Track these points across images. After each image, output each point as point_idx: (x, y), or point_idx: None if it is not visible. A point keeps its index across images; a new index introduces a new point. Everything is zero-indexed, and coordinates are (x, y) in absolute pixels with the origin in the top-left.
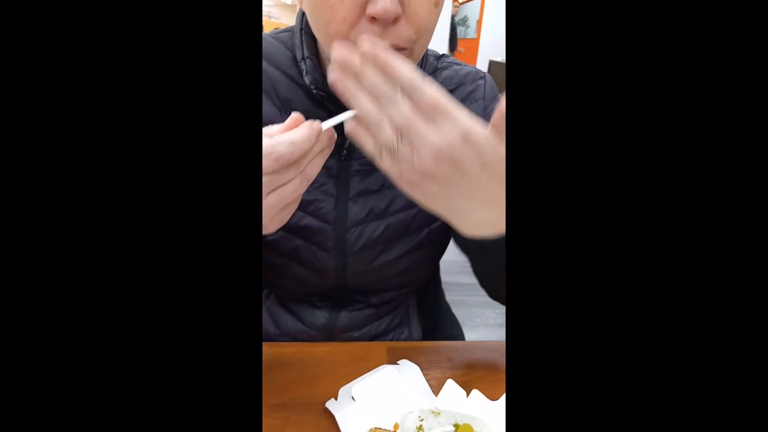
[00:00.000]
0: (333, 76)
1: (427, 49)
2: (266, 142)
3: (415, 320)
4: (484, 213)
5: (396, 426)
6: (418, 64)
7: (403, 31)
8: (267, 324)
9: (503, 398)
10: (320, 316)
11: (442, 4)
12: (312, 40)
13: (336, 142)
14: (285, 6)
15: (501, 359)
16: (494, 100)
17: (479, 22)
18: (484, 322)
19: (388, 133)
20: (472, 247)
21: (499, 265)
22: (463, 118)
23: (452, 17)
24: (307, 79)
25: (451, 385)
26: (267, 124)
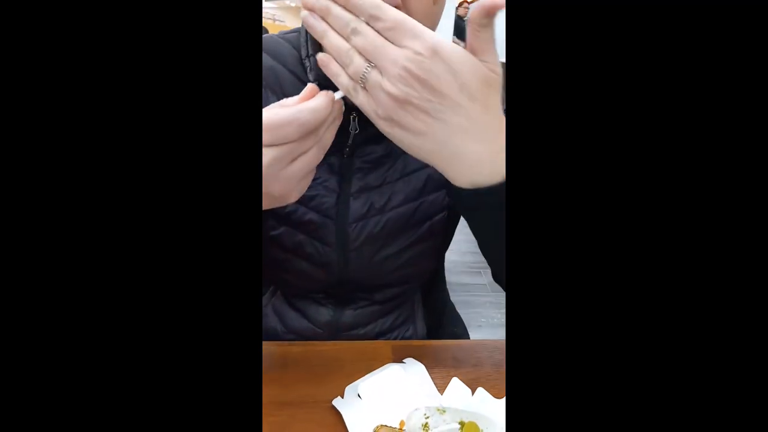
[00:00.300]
0: (304, 17)
1: None
2: (288, 110)
3: (420, 318)
4: (471, 148)
5: (402, 423)
6: None
7: None
8: (273, 322)
9: None
10: (325, 314)
11: (443, 4)
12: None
13: (339, 140)
14: (289, 8)
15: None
16: None
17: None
18: (489, 323)
19: (357, 63)
20: (470, 207)
21: (501, 235)
22: (429, 33)
23: (457, 17)
24: (311, 76)
25: (456, 384)
26: None
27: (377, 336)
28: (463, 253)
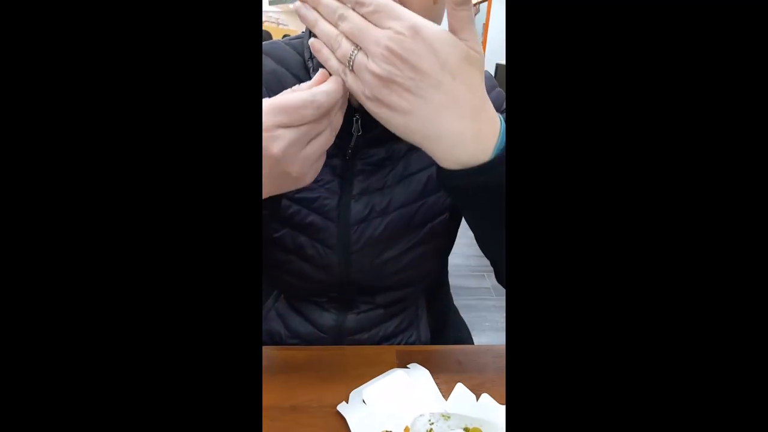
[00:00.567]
0: (298, 8)
1: None
2: (305, 93)
3: (424, 323)
4: (454, 125)
5: (407, 429)
6: None
7: None
8: (277, 326)
9: None
10: (329, 318)
11: (443, 4)
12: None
13: (341, 143)
14: (293, 13)
15: None
16: (492, 90)
17: (486, 26)
18: (493, 326)
19: (345, 46)
20: (459, 189)
21: (494, 225)
22: (410, 14)
23: None
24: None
25: (460, 389)
26: None
27: (381, 341)
28: (467, 256)
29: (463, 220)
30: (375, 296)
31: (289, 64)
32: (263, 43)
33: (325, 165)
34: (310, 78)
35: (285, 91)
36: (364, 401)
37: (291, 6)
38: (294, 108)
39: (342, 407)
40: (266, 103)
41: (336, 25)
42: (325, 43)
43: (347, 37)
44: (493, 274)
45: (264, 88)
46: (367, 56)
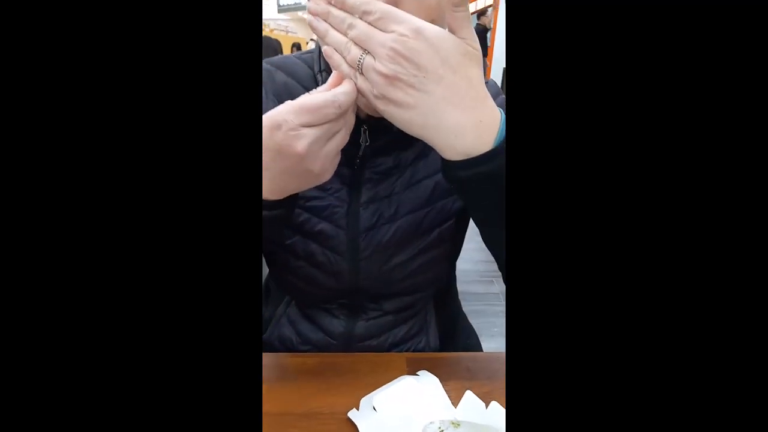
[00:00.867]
0: (309, 21)
1: None
2: (327, 93)
3: (433, 329)
4: (456, 116)
5: None
6: None
7: None
8: (289, 332)
9: None
10: (338, 325)
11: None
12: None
13: (350, 153)
14: (302, 21)
15: None
16: (497, 96)
17: (493, 31)
18: (501, 332)
19: (354, 51)
20: (464, 181)
21: (499, 219)
22: (412, 18)
23: (478, 26)
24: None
25: (470, 397)
26: None
27: (390, 347)
28: (475, 261)
29: (471, 225)
30: (384, 303)
31: (299, 77)
32: (276, 57)
33: (335, 174)
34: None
35: (304, 95)
36: (374, 408)
37: (300, 14)
38: (317, 107)
39: (353, 414)
40: (289, 104)
41: (345, 34)
42: (336, 50)
43: (356, 43)
44: (501, 280)
45: (276, 99)
46: (375, 58)
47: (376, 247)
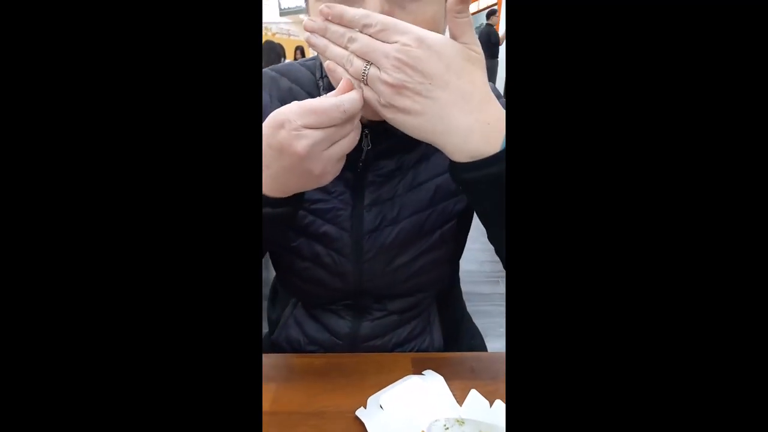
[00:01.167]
0: (307, 38)
1: None
2: (334, 99)
3: (437, 329)
4: (463, 119)
5: None
6: None
7: None
8: (296, 333)
9: None
10: (344, 325)
11: (442, 15)
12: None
13: (353, 157)
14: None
15: None
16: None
17: (496, 25)
18: None
19: (356, 64)
20: (472, 182)
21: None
22: (414, 28)
23: (487, 26)
24: (323, 94)
25: (474, 396)
26: None
27: (394, 347)
28: (480, 262)
29: (475, 225)
30: (388, 303)
31: (303, 83)
32: (280, 65)
33: (339, 177)
34: (320, 94)
35: (315, 99)
36: (381, 407)
37: (301, 17)
38: (323, 110)
39: (360, 412)
40: (295, 104)
41: (345, 48)
42: (338, 64)
43: (357, 56)
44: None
45: (280, 104)
46: (379, 69)
47: (380, 248)
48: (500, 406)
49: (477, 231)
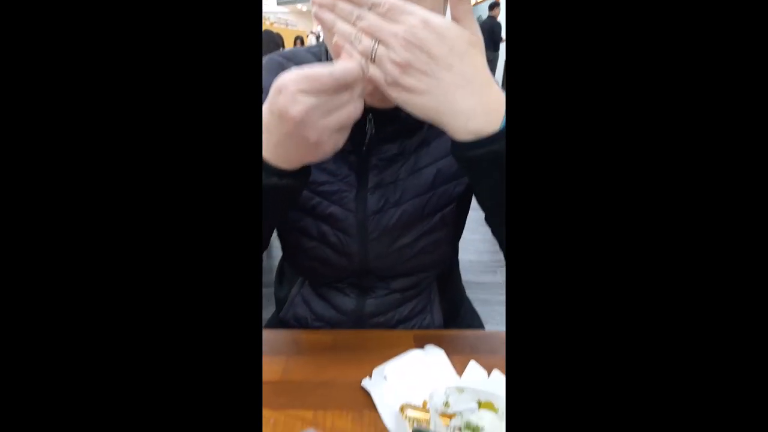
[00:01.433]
0: (316, 12)
1: None
2: (325, 66)
3: (437, 307)
4: (466, 100)
5: (425, 403)
6: None
7: None
8: (303, 310)
9: None
10: (349, 303)
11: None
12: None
13: (357, 140)
14: (301, 14)
15: None
16: None
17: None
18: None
19: (365, 42)
20: (474, 160)
21: (504, 200)
22: (419, 9)
23: (490, 17)
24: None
25: (473, 366)
26: None
27: (397, 323)
28: (480, 252)
29: (476, 217)
30: (391, 282)
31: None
32: (286, 50)
33: (343, 160)
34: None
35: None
36: (385, 377)
37: (299, 6)
38: (315, 76)
39: (366, 382)
40: (294, 70)
41: (353, 25)
42: (345, 40)
43: (366, 34)
44: (505, 269)
45: None
46: (387, 48)
47: (384, 229)
48: (498, 375)
49: (476, 222)
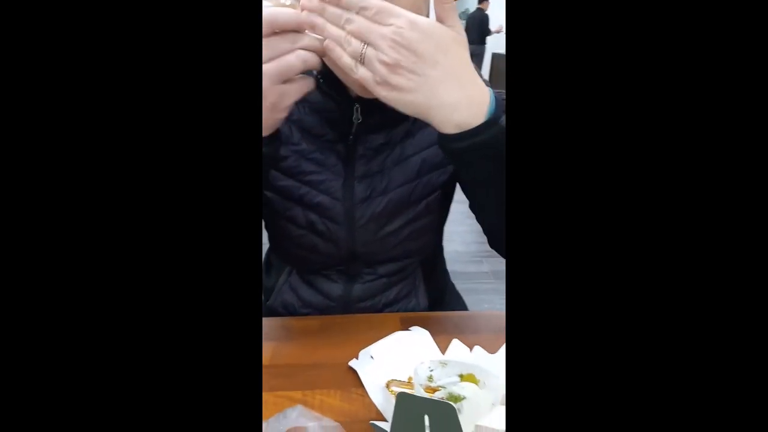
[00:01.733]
0: (305, 17)
1: None
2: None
3: (422, 291)
4: (452, 94)
5: (410, 379)
6: None
7: None
8: (291, 298)
9: (502, 350)
10: (336, 288)
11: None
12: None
13: (344, 130)
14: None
15: (503, 324)
16: None
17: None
18: (491, 307)
19: (354, 44)
20: (460, 152)
21: (489, 187)
22: (405, 12)
23: (477, 10)
24: (317, 73)
25: (456, 343)
26: None
27: (383, 307)
28: (467, 243)
29: (462, 210)
30: (378, 267)
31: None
32: None
33: (330, 150)
34: (317, 80)
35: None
36: (372, 357)
37: (282, 1)
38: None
39: (353, 362)
40: None
41: (342, 28)
42: (334, 43)
43: (354, 37)
44: (491, 260)
45: None
46: (376, 49)
47: (371, 216)
48: (479, 350)
49: (462, 214)
